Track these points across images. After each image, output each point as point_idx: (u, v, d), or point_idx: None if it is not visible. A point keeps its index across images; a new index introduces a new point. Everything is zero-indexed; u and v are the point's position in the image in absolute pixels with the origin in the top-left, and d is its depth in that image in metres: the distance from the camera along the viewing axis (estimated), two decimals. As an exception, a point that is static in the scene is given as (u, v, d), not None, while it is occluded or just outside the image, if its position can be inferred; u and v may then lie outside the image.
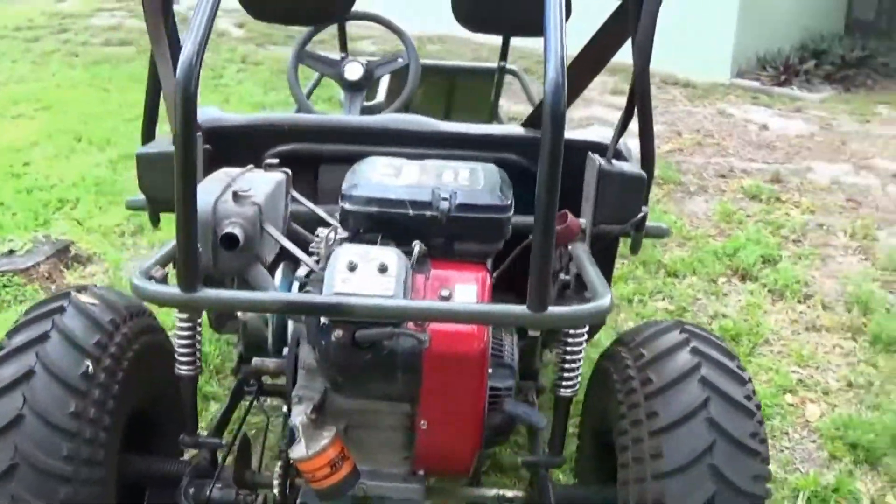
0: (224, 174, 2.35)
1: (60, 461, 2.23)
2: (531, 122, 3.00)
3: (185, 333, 2.49)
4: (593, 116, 8.61)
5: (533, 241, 1.95)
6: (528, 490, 2.68)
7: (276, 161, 2.49)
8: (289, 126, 2.82)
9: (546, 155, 1.87)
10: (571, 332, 2.42)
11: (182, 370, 2.53)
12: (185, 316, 2.46)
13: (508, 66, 4.90)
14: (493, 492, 2.66)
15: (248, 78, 9.31)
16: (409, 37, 3.99)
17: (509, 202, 2.32)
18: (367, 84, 4.01)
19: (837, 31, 12.41)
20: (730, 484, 2.22)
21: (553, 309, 2.02)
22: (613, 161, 2.62)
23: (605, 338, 4.01)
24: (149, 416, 2.72)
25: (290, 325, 2.58)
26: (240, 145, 2.59)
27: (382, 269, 2.07)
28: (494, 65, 4.92)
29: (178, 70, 1.83)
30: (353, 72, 3.97)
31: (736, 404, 2.33)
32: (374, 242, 2.23)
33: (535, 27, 2.78)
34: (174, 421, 2.83)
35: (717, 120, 9.12)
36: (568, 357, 2.46)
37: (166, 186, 2.46)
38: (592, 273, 2.34)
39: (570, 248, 2.50)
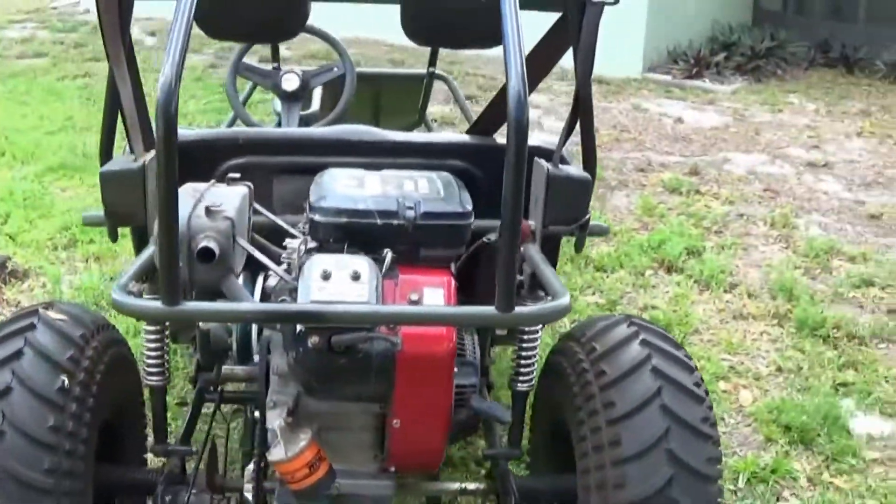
0: (192, 189, 2.39)
1: (42, 474, 2.27)
2: (475, 128, 3.08)
3: (154, 345, 2.56)
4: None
5: (500, 245, 2.03)
6: (488, 482, 2.78)
7: (237, 175, 2.54)
8: (243, 139, 2.88)
9: (511, 163, 1.94)
10: (528, 329, 2.53)
11: (151, 380, 2.59)
12: (153, 328, 2.54)
13: (438, 72, 4.97)
14: (455, 485, 2.78)
15: (165, 87, 9.23)
16: (344, 46, 4.05)
17: (470, 209, 2.43)
18: (303, 94, 4.07)
19: (745, 23, 12.72)
20: (686, 466, 2.33)
21: (520, 309, 2.11)
22: (560, 165, 2.71)
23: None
24: (115, 426, 2.77)
25: (255, 333, 2.65)
26: (195, 159, 2.62)
27: (355, 277, 2.16)
28: (423, 71, 4.99)
29: (159, 91, 1.87)
30: (290, 82, 4.05)
31: (687, 391, 2.44)
32: (342, 251, 2.31)
33: (486, 39, 2.89)
34: (137, 429, 2.93)
35: (632, 115, 9.31)
36: (524, 353, 2.59)
37: (130, 203, 2.58)
38: (549, 273, 2.43)
39: (522, 249, 2.58)
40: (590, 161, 2.75)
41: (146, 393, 2.71)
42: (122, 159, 2.67)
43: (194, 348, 3.04)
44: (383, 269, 2.26)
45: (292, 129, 3.59)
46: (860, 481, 3.75)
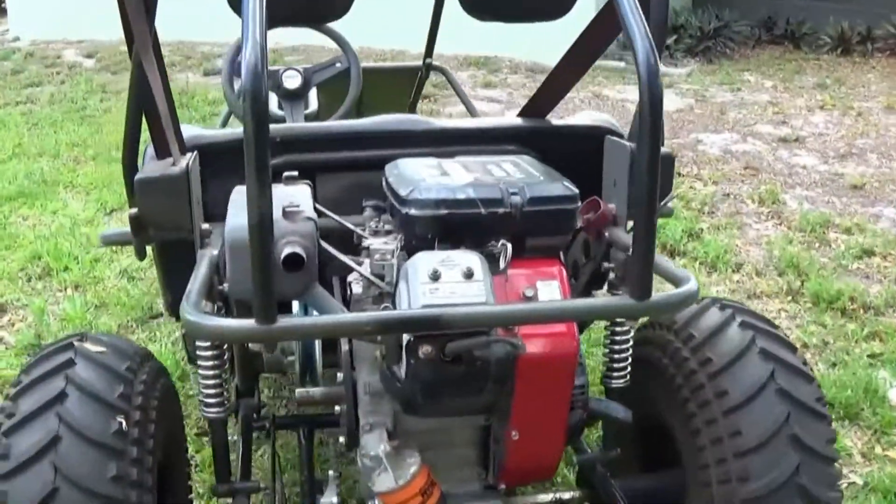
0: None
1: None
2: (527, 111, 2.97)
3: (213, 373, 2.35)
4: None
5: (635, 229, 1.91)
6: (582, 489, 2.65)
7: (295, 173, 2.32)
8: (281, 136, 2.67)
9: (647, 140, 1.82)
10: (619, 322, 2.41)
11: (210, 413, 2.39)
12: (212, 353, 2.33)
13: (435, 63, 4.86)
14: (549, 496, 2.61)
15: (114, 107, 9.03)
16: (348, 40, 3.93)
17: (577, 191, 2.25)
18: (304, 92, 3.93)
19: (687, 5, 12.76)
20: (811, 451, 2.26)
21: (656, 296, 1.96)
22: None
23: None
24: (165, 468, 2.52)
25: (318, 351, 2.47)
26: (229, 161, 2.44)
27: (468, 275, 1.96)
28: (414, 63, 4.88)
29: (244, 79, 1.66)
30: (292, 80, 3.93)
31: (798, 371, 2.36)
32: (439, 248, 2.11)
33: (552, 11, 2.75)
34: (185, 469, 2.71)
35: (594, 103, 9.28)
36: (617, 348, 2.45)
37: (173, 212, 2.36)
38: (661, 259, 2.30)
39: (607, 235, 2.47)
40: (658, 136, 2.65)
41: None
42: (156, 165, 2.45)
43: (231, 372, 2.82)
44: (504, 263, 2.07)
45: (334, 124, 3.36)
46: (906, 453, 3.72)
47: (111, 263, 5.35)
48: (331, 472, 2.43)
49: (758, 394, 2.28)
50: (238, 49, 3.81)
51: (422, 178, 2.20)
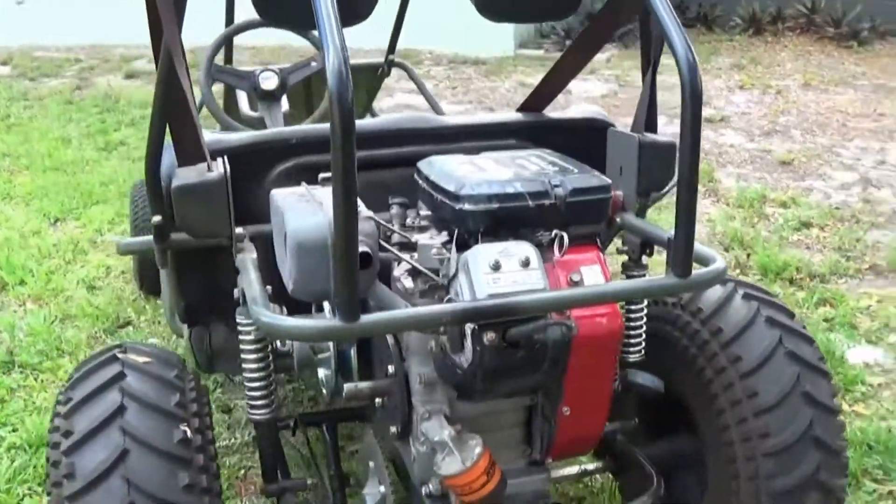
0: (301, 191, 2.27)
1: None
2: (526, 106, 3.08)
3: (259, 374, 2.44)
4: (403, 103, 8.77)
5: (677, 213, 2.06)
6: (605, 459, 2.82)
7: (329, 175, 2.41)
8: (296, 139, 2.74)
9: (688, 122, 2.01)
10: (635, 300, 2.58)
11: (258, 415, 2.47)
12: (257, 356, 2.42)
13: (397, 59, 4.97)
14: (575, 468, 2.76)
15: (38, 113, 8.96)
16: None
17: (609, 181, 2.37)
18: (282, 93, 4.00)
19: (600, -8, 13.00)
20: (822, 406, 2.48)
21: (695, 273, 2.11)
22: (646, 133, 2.74)
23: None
24: None
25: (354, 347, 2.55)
26: (247, 164, 2.50)
27: (525, 264, 2.07)
28: (373, 61, 4.96)
29: (330, 80, 1.71)
30: (269, 81, 4.00)
31: (800, 335, 2.58)
32: (493, 239, 2.19)
33: (563, 10, 2.87)
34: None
35: (521, 91, 9.47)
36: (633, 324, 2.63)
37: (213, 218, 2.38)
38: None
39: (618, 220, 2.60)
40: (653, 125, 2.80)
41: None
42: (189, 172, 2.45)
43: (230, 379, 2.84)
44: (559, 252, 2.18)
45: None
46: (876, 406, 3.96)
47: (67, 274, 5.32)
48: (371, 464, 2.54)
49: (769, 357, 2.49)
50: (215, 49, 3.88)
51: (465, 174, 2.29)
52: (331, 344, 2.55)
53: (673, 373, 2.67)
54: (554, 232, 2.20)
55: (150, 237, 2.61)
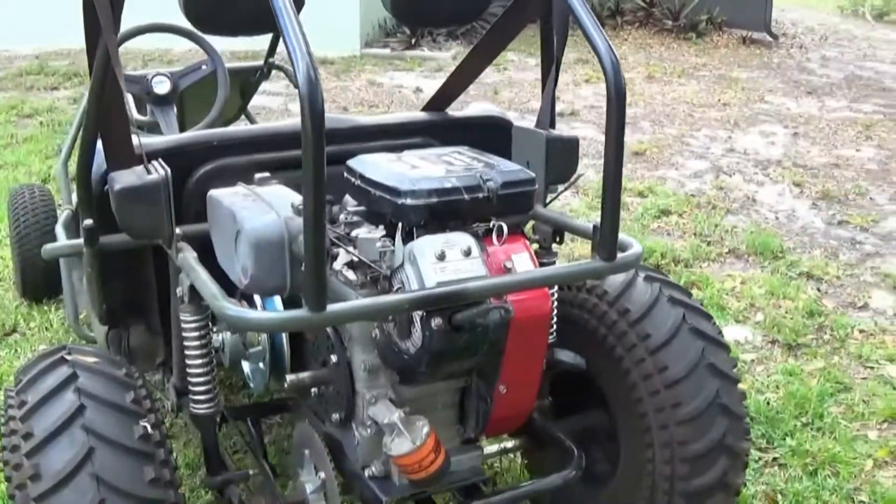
0: (240, 192, 2.34)
1: None
2: (429, 106, 3.19)
3: (204, 370, 2.50)
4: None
5: (603, 203, 2.21)
6: (522, 438, 2.92)
7: (267, 174, 2.48)
8: (217, 141, 2.80)
9: (614, 120, 2.16)
10: None
11: (201, 409, 2.53)
12: (201, 352, 2.47)
13: (277, 62, 5.01)
14: (494, 447, 2.87)
15: None
16: (211, 44, 4.04)
17: (534, 175, 2.50)
18: (174, 97, 4.01)
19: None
20: (726, 376, 2.67)
21: (619, 257, 2.28)
22: (550, 130, 2.87)
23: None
24: None
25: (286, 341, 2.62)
26: (172, 166, 2.54)
27: (467, 253, 2.21)
28: (255, 63, 4.99)
29: (301, 84, 1.77)
30: (161, 86, 4.02)
31: (700, 312, 2.76)
32: (430, 232, 2.30)
33: (465, 16, 3.00)
34: None
35: (372, 90, 9.57)
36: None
37: (153, 219, 2.39)
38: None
39: (530, 212, 2.74)
40: (553, 121, 2.95)
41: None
42: (128, 174, 2.45)
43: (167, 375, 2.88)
44: (500, 241, 2.30)
45: (263, 126, 3.45)
46: (751, 380, 4.16)
47: None
48: (306, 451, 2.59)
49: (676, 333, 2.66)
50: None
51: (402, 171, 2.39)
52: (263, 337, 2.63)
53: (584, 352, 2.80)
54: (492, 222, 2.32)
55: (77, 241, 2.69)
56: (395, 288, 2.24)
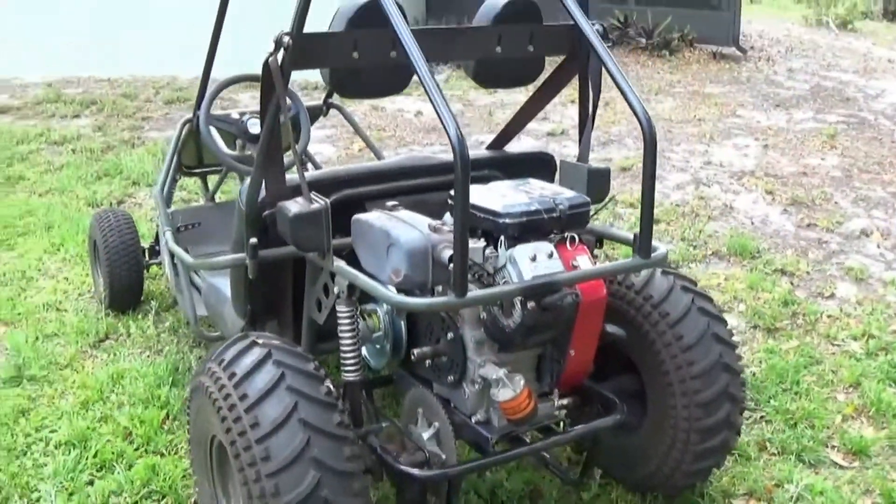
0: (384, 215, 3.09)
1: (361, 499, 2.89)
2: (493, 146, 4.06)
3: (353, 348, 3.25)
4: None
5: (642, 215, 3.05)
6: (573, 396, 3.58)
7: (396, 203, 3.21)
8: (346, 175, 3.57)
9: (649, 159, 2.96)
10: None
11: (351, 377, 3.28)
12: (350, 334, 3.25)
13: (335, 102, 5.71)
14: (552, 403, 3.57)
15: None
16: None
17: (589, 199, 3.27)
18: None
19: (422, 14, 14.08)
20: (725, 342, 3.60)
21: (653, 255, 3.10)
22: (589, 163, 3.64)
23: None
24: None
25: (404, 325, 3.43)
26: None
27: (550, 256, 3.01)
28: (314, 103, 5.69)
29: (452, 139, 2.56)
30: (255, 126, 4.67)
31: (704, 296, 3.67)
32: (520, 242, 3.05)
33: (527, 79, 3.87)
34: None
35: (376, 114, 10.46)
36: None
37: (318, 237, 3.15)
38: (624, 233, 3.41)
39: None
40: (587, 153, 3.72)
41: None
42: (294, 204, 3.16)
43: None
44: (573, 247, 3.09)
45: (375, 164, 4.14)
46: (739, 362, 5.12)
47: (27, 299, 5.79)
48: (420, 410, 3.39)
49: (688, 312, 3.56)
50: (209, 106, 4.64)
51: (498, 199, 3.16)
52: (385, 323, 3.44)
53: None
54: (566, 234, 3.14)
55: (240, 254, 3.46)
56: (502, 282, 3.04)
